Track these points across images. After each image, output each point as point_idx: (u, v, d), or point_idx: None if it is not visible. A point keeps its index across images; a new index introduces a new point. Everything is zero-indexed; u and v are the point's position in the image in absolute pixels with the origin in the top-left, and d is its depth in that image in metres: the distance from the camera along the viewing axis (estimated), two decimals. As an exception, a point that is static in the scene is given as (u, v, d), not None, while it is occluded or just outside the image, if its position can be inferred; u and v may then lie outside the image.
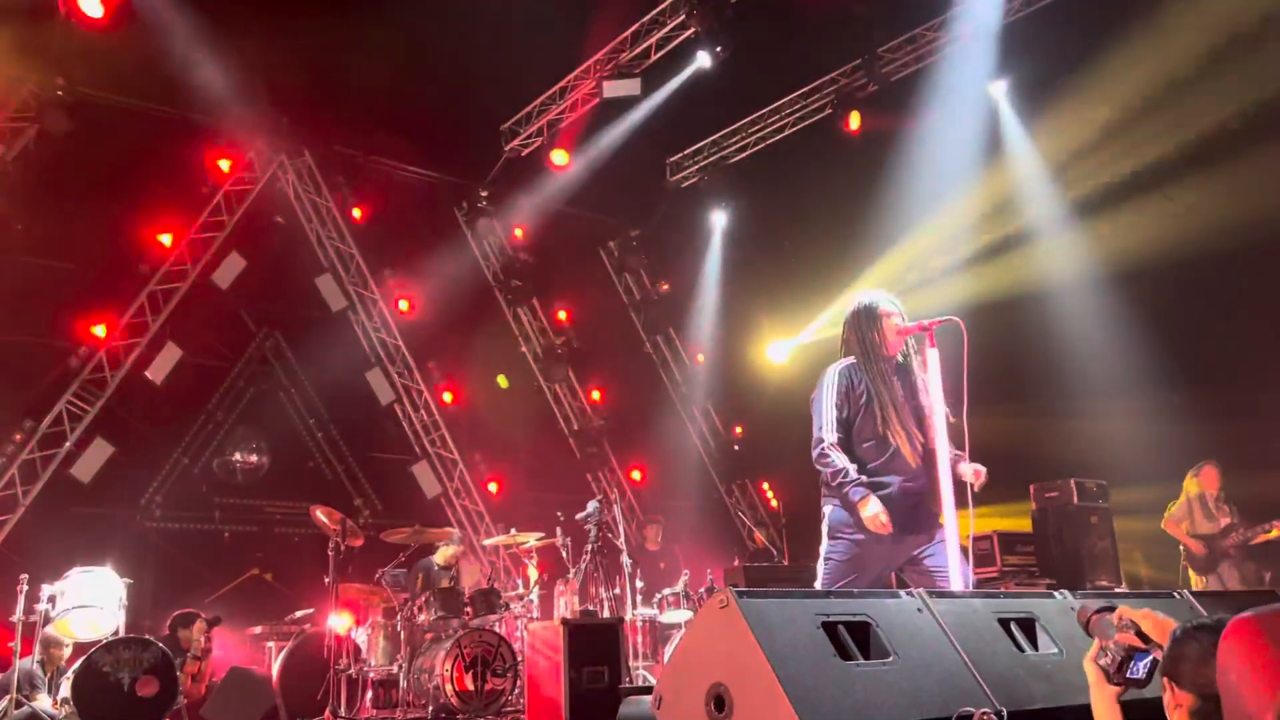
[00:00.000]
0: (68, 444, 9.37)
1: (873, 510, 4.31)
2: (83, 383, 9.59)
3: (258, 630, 8.82)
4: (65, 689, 6.41)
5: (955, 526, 4.34)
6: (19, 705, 6.51)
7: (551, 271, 13.27)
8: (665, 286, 14.32)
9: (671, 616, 8.23)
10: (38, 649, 6.74)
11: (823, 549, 4.53)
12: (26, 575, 6.81)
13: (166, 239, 10.26)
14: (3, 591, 7.15)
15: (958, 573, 4.31)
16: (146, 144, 9.79)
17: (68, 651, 7.00)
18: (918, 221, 10.59)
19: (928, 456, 4.47)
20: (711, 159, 13.14)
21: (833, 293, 11.25)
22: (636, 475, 13.32)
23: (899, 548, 4.46)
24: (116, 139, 9.52)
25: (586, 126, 11.80)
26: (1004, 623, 3.35)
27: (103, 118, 9.65)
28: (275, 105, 10.65)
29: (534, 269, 13.24)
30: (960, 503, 4.33)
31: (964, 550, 4.49)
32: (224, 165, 10.77)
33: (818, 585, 4.43)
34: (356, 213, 11.81)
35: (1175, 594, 3.96)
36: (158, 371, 9.93)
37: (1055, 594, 3.62)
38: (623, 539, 8.53)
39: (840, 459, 4.42)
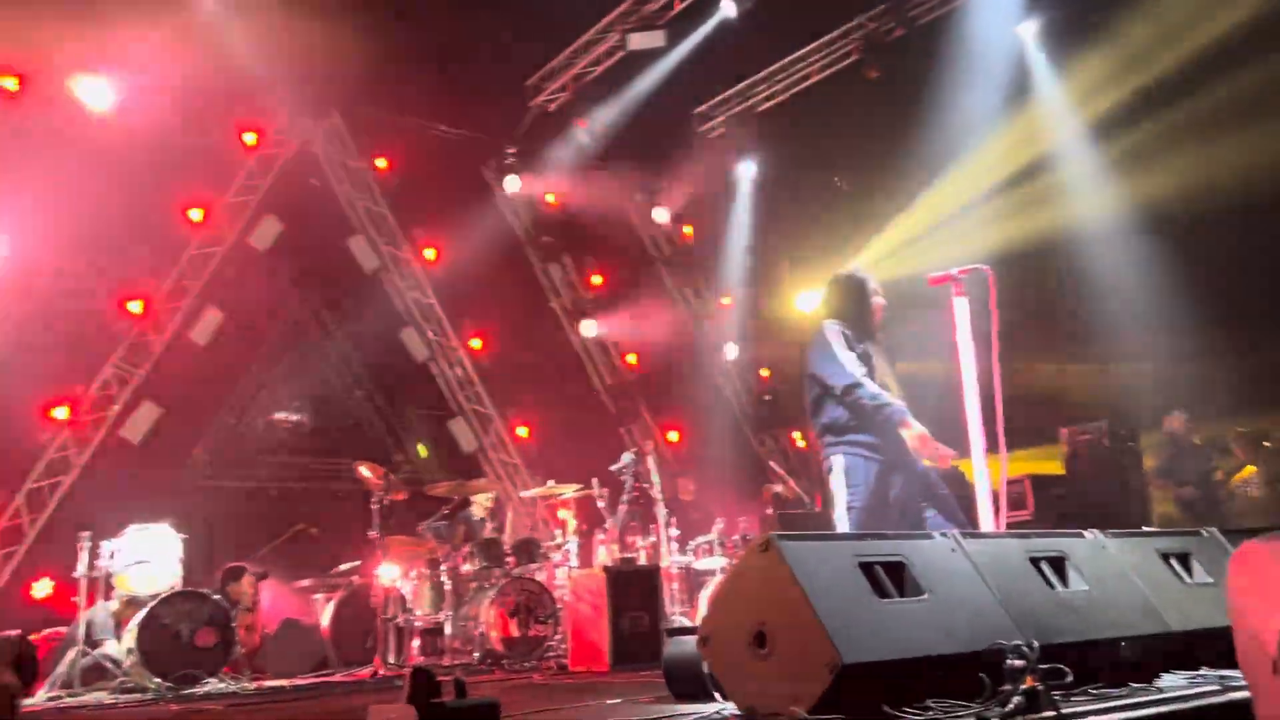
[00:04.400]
0: (116, 407, 9.63)
1: (918, 430, 4.67)
2: (129, 347, 9.83)
3: (306, 583, 9.11)
4: (129, 639, 6.69)
5: (985, 471, 4.45)
6: (84, 655, 6.81)
7: (580, 226, 13.35)
8: (692, 238, 14.36)
9: (706, 563, 8.42)
10: (115, 601, 7.02)
11: (841, 499, 4.74)
12: (87, 533, 7.09)
13: (197, 214, 10.39)
14: (65, 549, 7.43)
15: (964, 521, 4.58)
16: (179, 112, 9.88)
17: (134, 604, 7.29)
18: (947, 168, 10.54)
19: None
20: (738, 109, 13.10)
21: (861, 241, 11.26)
22: (673, 436, 13.46)
23: (904, 493, 4.81)
24: (149, 108, 9.62)
25: (612, 80, 11.81)
26: (1035, 561, 3.48)
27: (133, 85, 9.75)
28: (303, 68, 10.70)
29: (563, 224, 13.33)
30: (991, 447, 4.46)
31: (995, 495, 4.63)
32: (250, 139, 10.86)
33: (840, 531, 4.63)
34: (381, 162, 11.90)
35: (1203, 532, 4.07)
36: (201, 334, 10.16)
37: (1086, 533, 3.73)
38: (657, 489, 8.70)
39: (871, 387, 4.72)
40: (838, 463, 4.86)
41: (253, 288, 10.77)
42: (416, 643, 8.11)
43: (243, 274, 10.63)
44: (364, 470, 8.15)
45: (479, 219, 12.40)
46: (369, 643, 7.91)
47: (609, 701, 4.22)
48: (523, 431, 12.35)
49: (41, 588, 8.54)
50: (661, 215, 14.39)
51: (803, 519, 9.25)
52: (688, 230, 14.59)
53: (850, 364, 4.81)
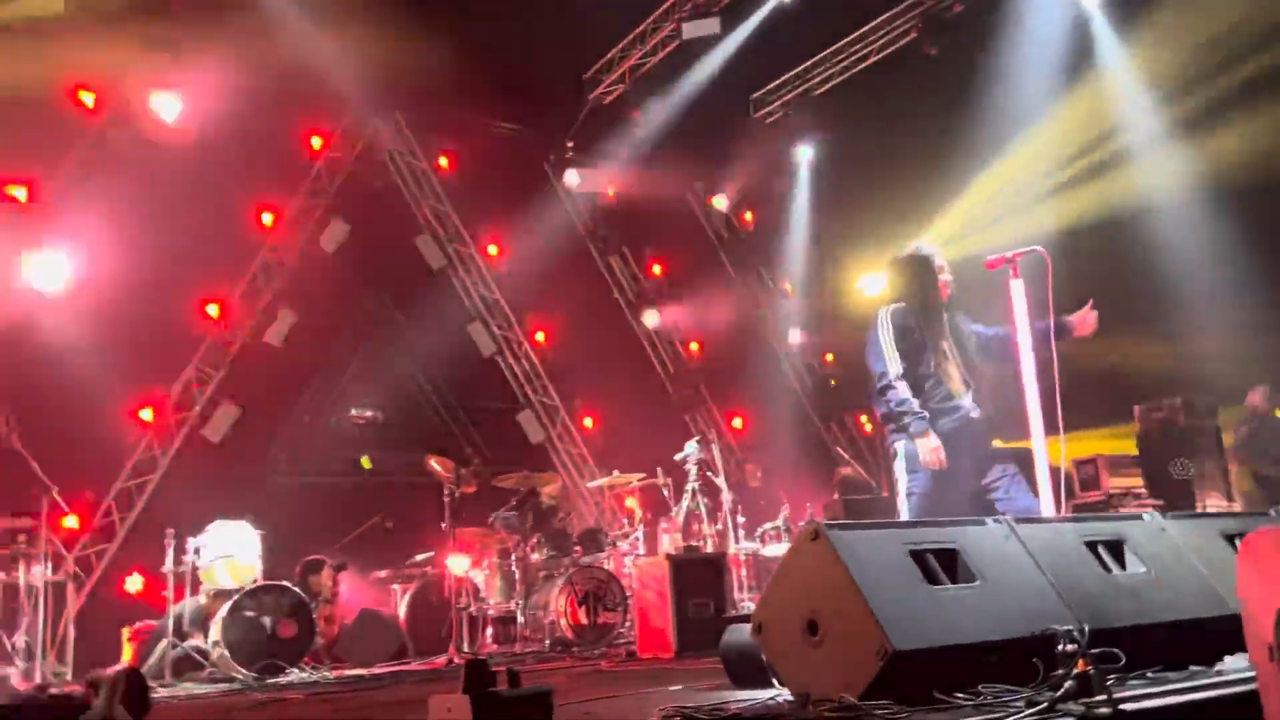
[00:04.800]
0: (197, 408, 10.00)
1: (932, 444, 4.64)
2: (208, 350, 10.19)
3: (382, 574, 9.37)
4: (215, 631, 6.97)
5: (1045, 453, 4.42)
6: (174, 646, 7.12)
7: (640, 216, 13.40)
8: (752, 225, 14.34)
9: (774, 550, 8.46)
10: (202, 594, 7.32)
11: (903, 485, 4.74)
12: (172, 530, 7.40)
13: (268, 218, 10.69)
14: (152, 545, 7.75)
15: (1034, 501, 4.48)
16: (247, 118, 10.14)
17: (222, 598, 7.59)
18: (1009, 145, 10.35)
19: (985, 393, 4.69)
20: (796, 92, 13.02)
21: (923, 222, 11.11)
22: (738, 424, 13.48)
23: (968, 479, 4.74)
24: (218, 116, 9.89)
25: (668, 70, 11.83)
26: (1091, 545, 3.46)
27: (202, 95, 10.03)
28: (366, 70, 10.92)
29: (622, 215, 13.41)
30: (1050, 429, 4.42)
31: (1056, 473, 4.59)
32: (316, 142, 11.13)
33: (902, 518, 4.63)
34: (444, 161, 12.10)
35: (1272, 512, 3.99)
36: (275, 335, 10.47)
37: (1144, 515, 3.70)
38: (722, 476, 8.76)
39: (905, 392, 4.67)
40: (900, 448, 4.87)
41: (324, 289, 11.06)
42: (489, 631, 8.30)
43: (314, 276, 10.92)
44: (434, 464, 8.35)
45: (541, 213, 12.55)
46: (444, 631, 8.12)
47: (670, 688, 4.29)
48: (588, 422, 12.49)
49: (133, 582, 8.92)
50: (721, 203, 14.38)
51: (868, 505, 9.21)
52: (748, 217, 14.57)
53: (890, 360, 4.79)
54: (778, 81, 13.11)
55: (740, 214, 14.49)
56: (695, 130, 12.50)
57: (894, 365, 4.78)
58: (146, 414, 9.66)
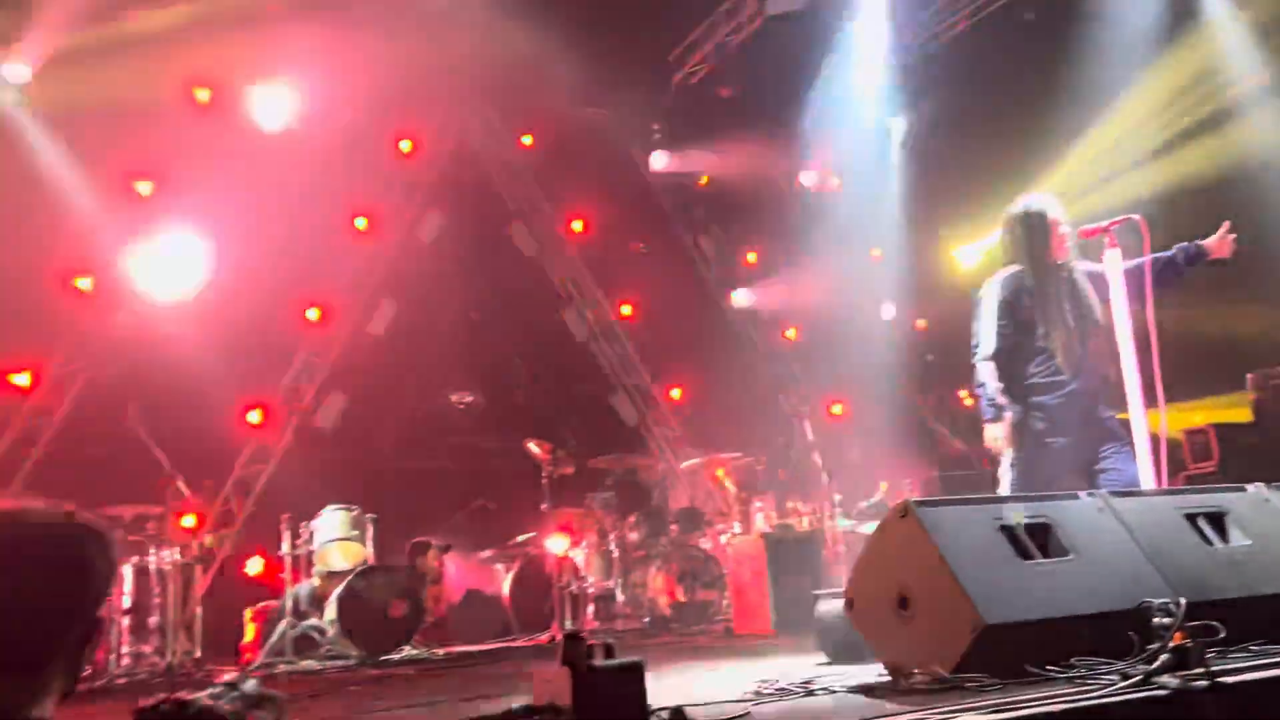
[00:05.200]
0: (308, 398, 10.42)
1: (995, 433, 4.53)
2: (316, 341, 10.60)
3: (486, 554, 9.66)
4: (331, 611, 7.30)
5: (1145, 425, 4.32)
6: (293, 626, 7.48)
7: (728, 195, 13.38)
8: (844, 199, 14.15)
9: (870, 528, 8.42)
10: (316, 576, 7.68)
11: (1006, 458, 4.63)
12: (288, 515, 7.77)
13: (361, 223, 11.03)
14: (271, 529, 8.15)
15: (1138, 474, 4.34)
16: (346, 114, 10.44)
17: (335, 579, 7.93)
18: (1109, 107, 10.01)
19: (1096, 363, 4.52)
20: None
21: (1019, 190, 10.83)
22: (837, 409, 13.38)
23: (1074, 453, 4.56)
24: (319, 114, 10.21)
25: (754, 46, 11.76)
26: (1191, 518, 3.40)
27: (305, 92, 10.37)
28: (455, 63, 11.13)
29: (710, 195, 13.41)
30: (1150, 401, 4.32)
31: (1157, 444, 4.48)
32: (405, 146, 11.42)
33: (1002, 492, 4.56)
34: (532, 148, 12.26)
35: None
36: (378, 325, 10.84)
37: (1247, 487, 3.61)
38: (817, 454, 8.76)
39: (986, 372, 4.55)
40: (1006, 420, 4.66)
41: (422, 279, 11.39)
42: (590, 609, 8.50)
43: (412, 266, 11.25)
44: (532, 447, 8.56)
45: (629, 197, 12.64)
46: (546, 609, 8.34)
47: (765, 662, 4.37)
48: (681, 403, 12.57)
49: (253, 565, 9.38)
50: (810, 178, 14.25)
51: (967, 480, 9.09)
52: (838, 189, 14.39)
53: (986, 335, 4.60)
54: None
55: (831, 188, 14.32)
56: (783, 106, 12.40)
57: (988, 342, 4.59)
58: (254, 416, 10.08)
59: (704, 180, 13.35)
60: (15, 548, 1.50)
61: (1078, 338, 4.56)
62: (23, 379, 9.12)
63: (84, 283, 9.47)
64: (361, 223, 10.97)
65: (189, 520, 8.38)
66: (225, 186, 9.77)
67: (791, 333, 13.48)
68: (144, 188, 9.77)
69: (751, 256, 13.56)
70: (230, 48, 9.76)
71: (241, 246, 9.65)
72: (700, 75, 12.26)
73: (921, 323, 14.05)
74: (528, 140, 12.34)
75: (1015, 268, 4.70)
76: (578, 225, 12.46)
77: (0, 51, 9.05)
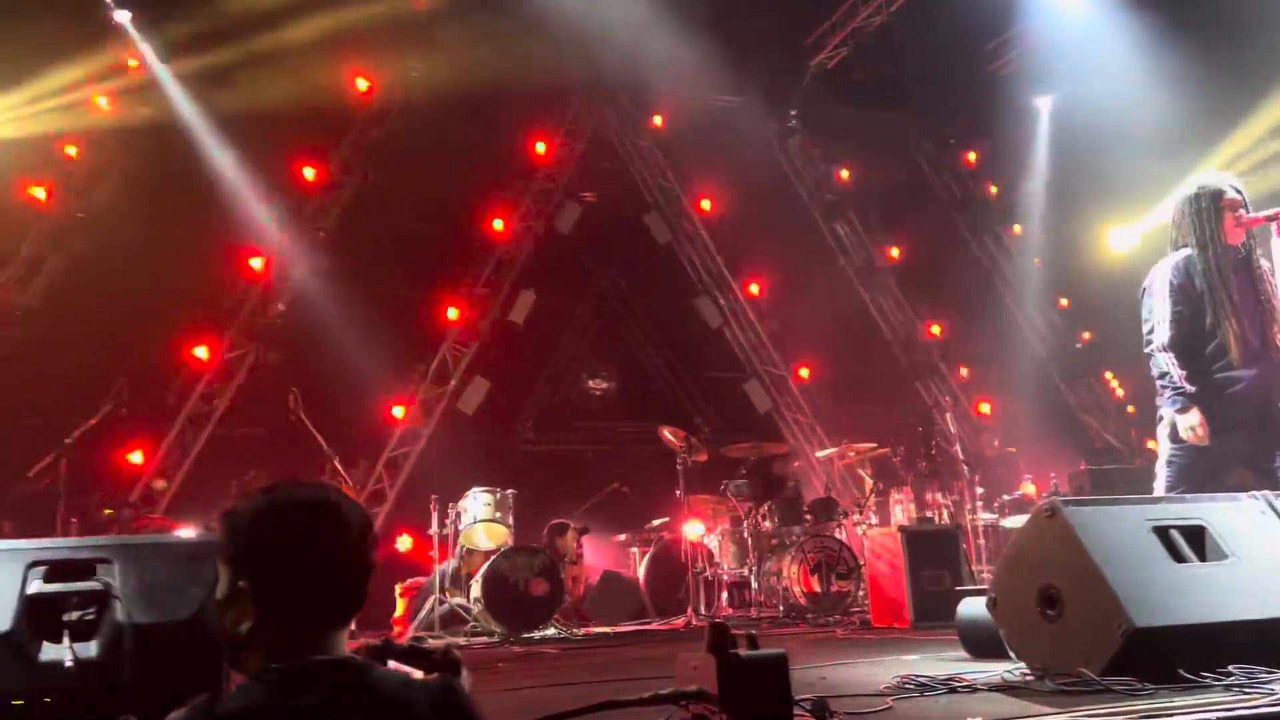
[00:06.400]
0: (452, 383, 10.84)
1: (1189, 421, 4.19)
2: (460, 329, 11.00)
3: (622, 537, 9.85)
4: (476, 589, 7.60)
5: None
6: (441, 603, 7.83)
7: (867, 181, 13.19)
8: (993, 186, 13.77)
9: (1013, 522, 8.23)
10: (457, 556, 8.01)
11: (1164, 452, 4.42)
12: (436, 496, 8.12)
13: (498, 224, 11.34)
14: (419, 509, 8.53)
15: None
16: (485, 110, 10.76)
17: (477, 558, 8.26)
18: (1275, 84, 9.40)
19: (1276, 353, 4.24)
20: (1032, 42, 12.33)
21: (1178, 171, 10.30)
22: (984, 406, 13.07)
23: (1248, 447, 4.26)
24: (454, 110, 10.54)
25: (893, 29, 11.53)
26: (1365, 525, 3.23)
27: (445, 91, 10.73)
28: (591, 54, 11.30)
29: (848, 180, 13.24)
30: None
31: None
32: (540, 148, 11.68)
33: (1157, 488, 4.37)
34: (666, 135, 12.35)
35: None
36: (518, 313, 11.17)
37: None
38: (958, 446, 8.59)
39: (1166, 362, 4.28)
40: (1167, 414, 4.39)
41: (560, 268, 11.67)
42: (725, 595, 8.58)
43: (550, 256, 11.54)
44: (666, 433, 8.68)
45: (764, 183, 12.59)
46: (681, 594, 8.47)
47: (906, 657, 4.36)
48: (815, 389, 12.49)
49: (403, 543, 9.83)
50: (954, 161, 13.89)
51: (1118, 475, 8.76)
52: (982, 173, 14.00)
53: (1160, 323, 4.33)
54: (1011, 31, 12.44)
55: (975, 170, 13.94)
56: (923, 88, 12.13)
57: (1162, 330, 4.31)
58: (402, 404, 10.55)
59: (844, 174, 13.18)
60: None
61: (1253, 326, 4.27)
62: (201, 351, 9.83)
63: (256, 261, 10.13)
64: (498, 224, 11.28)
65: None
66: (371, 180, 10.32)
67: (927, 311, 13.16)
68: (309, 171, 10.38)
69: (886, 233, 13.30)
70: (370, 52, 10.26)
71: (382, 236, 10.14)
72: (838, 60, 12.10)
73: (1064, 301, 13.53)
74: (661, 127, 12.43)
75: (1186, 251, 4.41)
76: (708, 207, 12.49)
77: (176, 59, 9.75)
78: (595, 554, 9.78)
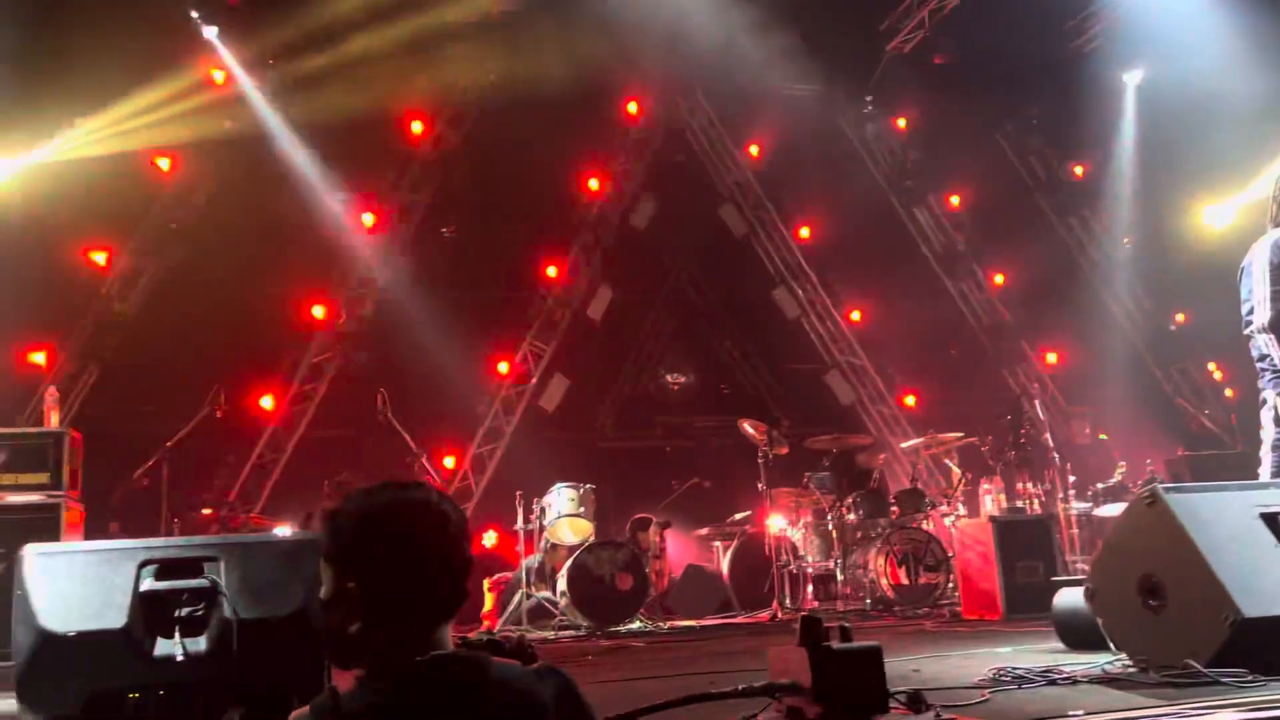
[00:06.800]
0: (533, 381, 10.97)
1: None
2: (539, 327, 11.13)
3: (704, 531, 9.85)
4: (561, 583, 7.68)
5: None
6: (528, 597, 7.93)
7: (945, 166, 12.93)
8: (1078, 167, 13.39)
9: (1107, 510, 8.01)
10: (544, 549, 8.10)
11: (1269, 436, 4.27)
12: (520, 491, 8.22)
13: (572, 215, 11.49)
14: (504, 504, 8.64)
15: None
16: (564, 113, 10.81)
17: (561, 553, 8.34)
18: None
19: None
20: (1114, 17, 11.95)
21: (1276, 143, 9.88)
22: (1052, 358, 12.75)
23: None
24: (525, 114, 10.62)
25: (969, 8, 11.29)
26: None
27: (518, 94, 10.82)
28: (666, 48, 11.29)
29: (926, 166, 13.01)
30: None
31: None
32: (632, 108, 11.76)
33: (1263, 474, 4.22)
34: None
35: None
36: (596, 310, 11.25)
37: None
38: (1048, 434, 8.39)
39: (1267, 343, 4.15)
40: (1270, 396, 4.30)
41: (636, 264, 11.72)
42: (810, 588, 8.52)
43: (627, 252, 11.59)
44: (747, 427, 8.65)
45: (841, 172, 12.44)
46: (765, 587, 8.43)
47: (999, 650, 4.28)
48: (898, 379, 12.31)
49: (489, 538, 9.98)
50: (1038, 142, 13.54)
51: (1218, 461, 8.45)
52: (1066, 150, 13.61)
53: (1260, 303, 4.20)
54: (1092, 7, 12.07)
55: (1058, 153, 13.56)
56: (1003, 70, 11.83)
57: (1262, 311, 4.20)
58: (482, 409, 10.70)
59: (922, 160, 12.95)
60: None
61: None
62: (293, 354, 10.14)
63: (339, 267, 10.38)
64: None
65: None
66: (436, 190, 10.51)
67: (1012, 295, 12.82)
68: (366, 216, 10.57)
69: (967, 218, 13.01)
70: (448, 56, 10.42)
71: (459, 247, 10.33)
72: (915, 43, 11.89)
73: (1175, 307, 13.07)
74: (737, 121, 12.37)
75: None
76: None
77: (259, 73, 10.04)
78: (678, 548, 9.79)
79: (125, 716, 3.23)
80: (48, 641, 3.16)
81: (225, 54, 9.98)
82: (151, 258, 9.90)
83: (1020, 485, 7.99)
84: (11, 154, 8.82)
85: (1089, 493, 8.45)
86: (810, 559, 8.49)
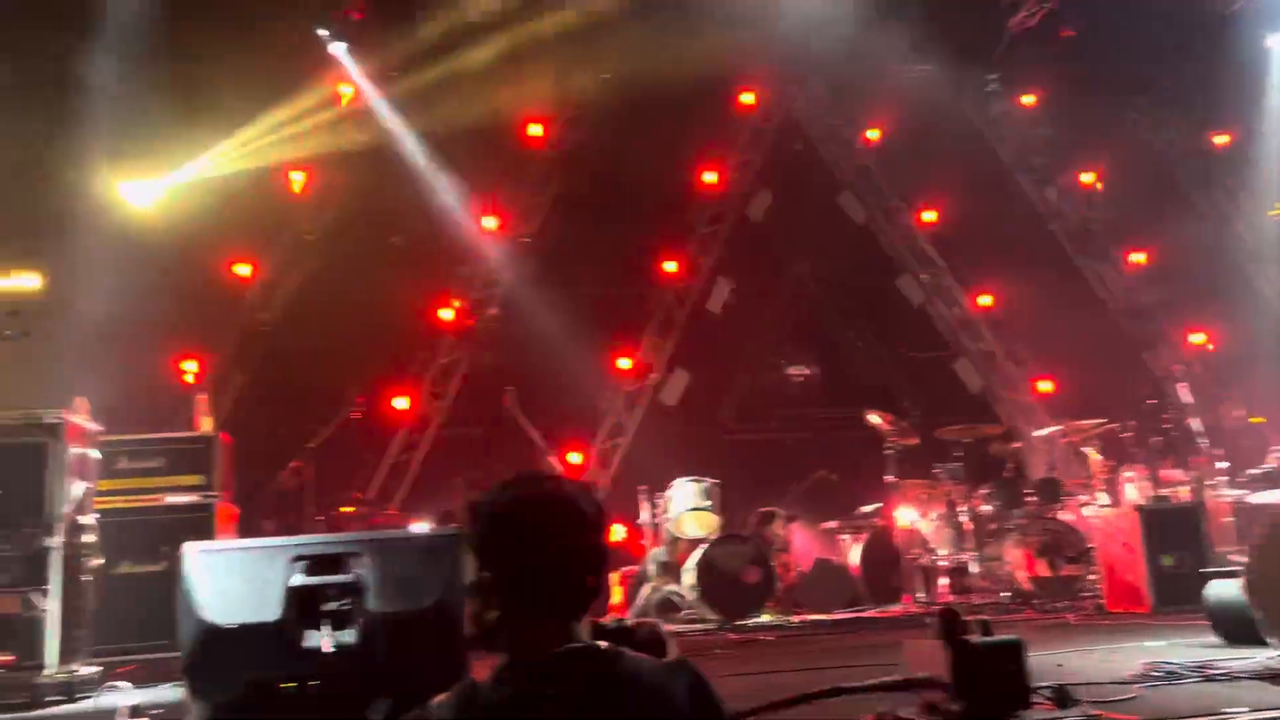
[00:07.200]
0: (654, 375, 11.04)
1: None
2: (659, 323, 11.20)
3: (831, 525, 9.72)
4: (688, 577, 7.71)
5: None
6: (656, 591, 7.99)
7: (1075, 143, 12.41)
8: (1220, 137, 12.65)
9: (1264, 498, 7.56)
10: (668, 543, 8.15)
11: None
12: (645, 486, 8.29)
13: (692, 206, 11.51)
14: (628, 498, 8.74)
15: None
16: (679, 105, 10.81)
17: (685, 546, 8.37)
18: None
19: None
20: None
21: None
22: (1197, 338, 12.09)
23: None
24: (639, 113, 10.65)
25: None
26: None
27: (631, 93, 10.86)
28: (779, 36, 11.17)
29: (1056, 143, 12.52)
30: None
31: None
32: (747, 99, 11.70)
33: None
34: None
35: None
36: (715, 304, 11.25)
37: None
38: (1195, 418, 7.99)
39: None
40: None
41: (755, 256, 11.66)
42: (943, 581, 8.32)
43: (745, 245, 11.55)
44: (873, 418, 8.50)
45: (965, 153, 12.08)
46: (896, 580, 8.28)
47: (1147, 644, 4.10)
48: (1031, 365, 11.88)
49: (615, 532, 10.10)
50: (1172, 112, 12.85)
51: (1388, 443, 7.88)
52: (1207, 120, 12.88)
53: None
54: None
55: (1197, 123, 12.84)
56: (1136, 38, 11.26)
57: None
58: (605, 405, 10.80)
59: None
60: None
61: None
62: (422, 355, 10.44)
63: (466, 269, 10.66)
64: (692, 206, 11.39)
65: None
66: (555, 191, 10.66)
67: (1152, 274, 12.21)
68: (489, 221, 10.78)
69: (1100, 194, 12.43)
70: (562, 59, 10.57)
71: (577, 248, 10.48)
72: (1040, 15, 11.43)
73: None
74: (854, 107, 12.16)
75: None
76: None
77: (383, 85, 10.40)
78: (805, 542, 9.69)
79: (279, 706, 3.39)
80: (210, 633, 3.35)
81: (351, 68, 10.37)
82: (289, 268, 10.37)
83: (1165, 473, 7.62)
84: (161, 176, 9.36)
85: (1242, 479, 7.99)
86: (942, 551, 8.29)
